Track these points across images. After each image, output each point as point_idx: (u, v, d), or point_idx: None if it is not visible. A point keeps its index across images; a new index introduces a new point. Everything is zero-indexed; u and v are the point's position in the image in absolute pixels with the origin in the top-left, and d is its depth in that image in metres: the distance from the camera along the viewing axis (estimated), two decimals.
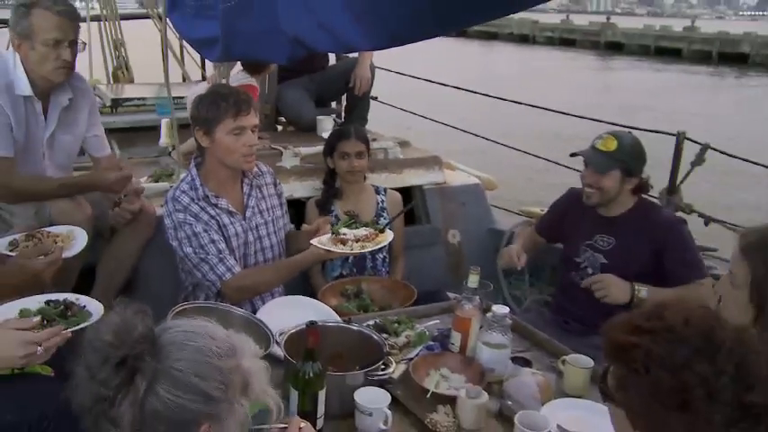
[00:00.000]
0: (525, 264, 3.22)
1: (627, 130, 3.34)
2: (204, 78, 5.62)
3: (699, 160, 3.82)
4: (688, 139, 3.82)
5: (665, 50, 39.00)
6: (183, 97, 4.51)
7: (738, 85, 28.66)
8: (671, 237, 2.98)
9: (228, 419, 1.40)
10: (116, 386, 1.32)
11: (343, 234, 2.88)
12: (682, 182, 3.83)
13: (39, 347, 1.88)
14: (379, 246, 2.90)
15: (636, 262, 2.99)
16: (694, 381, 1.28)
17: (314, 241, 2.84)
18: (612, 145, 2.98)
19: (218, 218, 2.95)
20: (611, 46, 41.79)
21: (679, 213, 3.93)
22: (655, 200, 3.95)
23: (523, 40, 48.35)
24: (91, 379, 1.33)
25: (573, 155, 3.17)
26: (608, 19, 46.60)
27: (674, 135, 3.85)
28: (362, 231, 2.91)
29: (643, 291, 2.86)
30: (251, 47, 2.82)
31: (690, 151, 3.88)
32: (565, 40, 45.60)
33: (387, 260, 3.67)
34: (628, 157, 2.98)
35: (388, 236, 2.94)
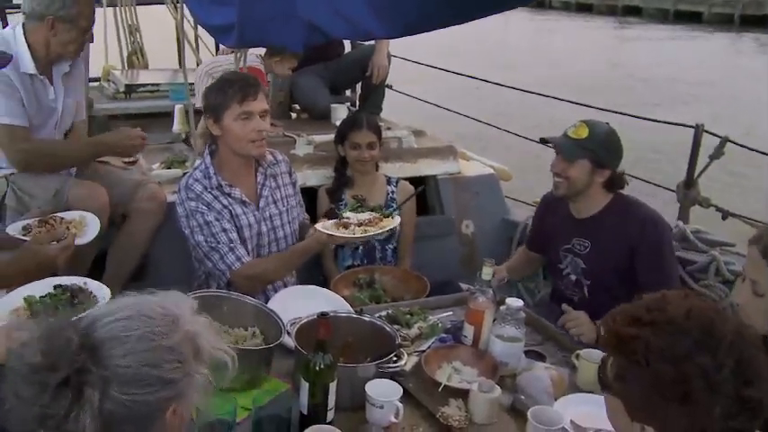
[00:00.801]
0: (503, 279, 3.08)
1: (645, 121, 3.27)
2: None
3: (717, 154, 3.76)
4: (707, 131, 3.76)
5: (684, 14, 37.91)
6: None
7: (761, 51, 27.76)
8: (645, 235, 2.83)
9: (191, 391, 1.34)
10: (65, 405, 1.22)
11: (347, 218, 2.83)
12: (699, 175, 3.77)
13: None
14: (383, 230, 2.82)
15: (613, 265, 2.87)
16: (695, 372, 1.29)
17: (318, 226, 2.81)
18: (584, 132, 2.84)
19: (230, 207, 2.93)
20: (629, 10, 40.60)
21: (696, 207, 3.90)
22: (672, 193, 3.93)
23: (539, 5, 47.35)
24: (30, 405, 1.22)
25: (543, 140, 3.04)
26: None
27: (692, 127, 3.78)
28: (366, 215, 2.85)
29: None
30: (267, 33, 2.82)
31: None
32: (581, 4, 44.57)
33: (397, 250, 3.64)
34: (598, 146, 2.83)
35: (393, 221, 2.87)
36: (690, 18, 36.87)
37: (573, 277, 3.04)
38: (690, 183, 3.78)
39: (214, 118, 2.85)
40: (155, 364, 1.27)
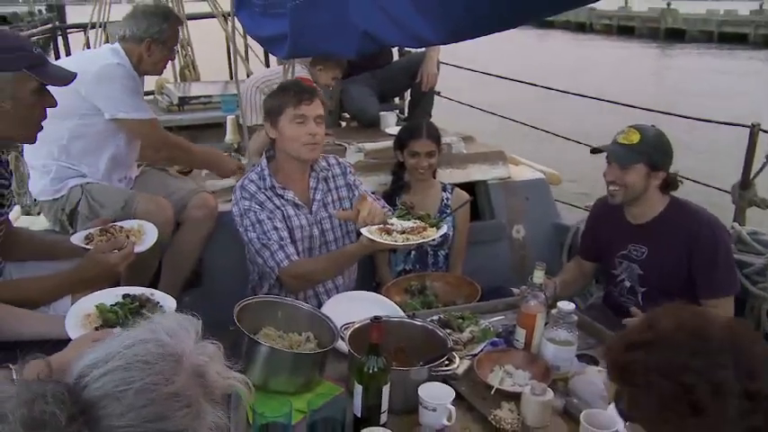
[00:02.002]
0: (554, 290, 2.87)
1: (696, 121, 3.21)
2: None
3: None
4: (763, 130, 3.67)
5: (729, 36, 37.31)
6: None
7: None
8: (701, 240, 2.79)
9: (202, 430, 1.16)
10: None
11: (391, 224, 2.83)
12: (756, 176, 3.68)
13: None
14: (425, 240, 2.79)
15: (670, 270, 2.83)
16: (695, 380, 1.28)
17: (363, 230, 2.82)
18: (635, 137, 2.82)
19: (283, 209, 3.00)
20: (672, 33, 40.16)
21: (752, 209, 3.81)
22: (726, 193, 3.85)
23: (580, 28, 47.32)
24: None
25: (594, 151, 2.99)
26: (668, 4, 44.82)
27: (747, 126, 3.70)
28: (410, 224, 2.84)
29: None
30: (320, 42, 2.86)
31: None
32: (623, 27, 44.23)
33: (449, 257, 3.65)
34: (652, 149, 2.81)
35: (435, 232, 2.84)
36: (736, 40, 36.17)
37: (627, 284, 3.02)
38: (746, 183, 3.69)
39: (271, 121, 2.96)
40: (161, 417, 1.10)
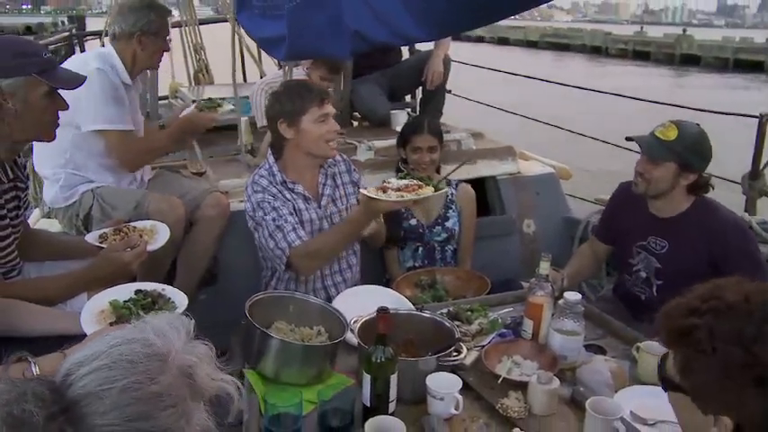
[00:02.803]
0: (562, 283, 2.87)
1: (705, 112, 3.21)
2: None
3: None
4: None
5: (744, 63, 37.17)
6: None
7: None
8: (731, 245, 2.76)
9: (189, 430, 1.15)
10: None
11: (388, 182, 2.86)
12: (765, 166, 3.69)
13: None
14: (420, 197, 2.78)
15: (689, 268, 2.76)
16: (764, 351, 1.25)
17: (362, 189, 2.87)
18: (672, 134, 2.75)
19: (293, 201, 3.06)
20: (687, 59, 40.11)
21: (763, 198, 3.82)
22: (736, 185, 3.86)
23: (596, 51, 47.42)
24: None
25: (628, 139, 2.94)
26: (684, 31, 44.74)
27: (756, 117, 3.71)
28: (405, 182, 2.85)
29: None
30: (316, 43, 2.91)
31: None
32: (638, 52, 44.28)
33: (457, 252, 3.68)
34: (687, 150, 2.74)
35: (431, 190, 2.81)
36: (751, 67, 35.84)
37: (643, 274, 3.01)
38: (755, 174, 3.70)
39: (289, 122, 2.99)
40: (144, 417, 1.08)
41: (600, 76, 28.51)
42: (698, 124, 2.86)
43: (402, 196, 2.74)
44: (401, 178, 2.92)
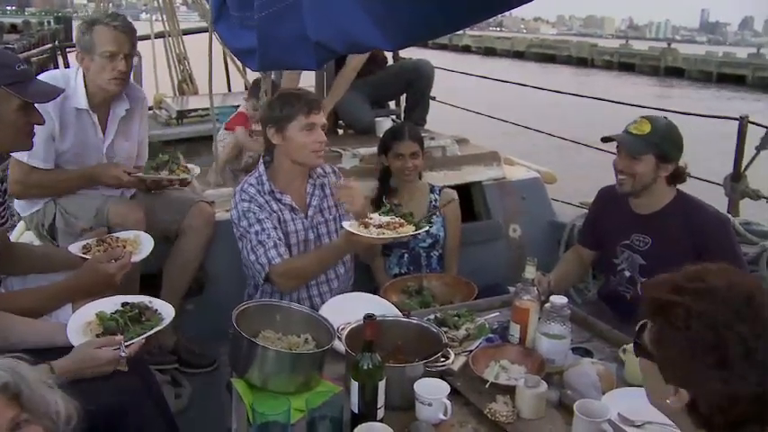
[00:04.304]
0: (548, 286, 2.88)
1: (685, 115, 3.25)
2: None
3: (764, 144, 3.71)
4: (752, 122, 3.72)
5: (727, 77, 37.75)
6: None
7: None
8: (713, 239, 2.81)
9: None
10: None
11: (370, 218, 2.87)
12: (747, 167, 3.73)
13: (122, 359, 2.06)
14: (399, 236, 2.81)
15: (674, 263, 2.78)
16: (734, 339, 1.34)
17: (345, 223, 2.89)
18: (646, 128, 2.84)
19: (279, 213, 3.07)
20: (671, 71, 40.79)
21: (746, 200, 3.86)
22: (719, 187, 3.89)
23: (581, 62, 47.96)
24: None
25: (605, 139, 3.00)
26: (669, 45, 45.39)
27: (736, 119, 3.75)
28: (387, 218, 2.87)
29: None
30: (284, 55, 2.92)
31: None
32: (624, 64, 44.91)
33: (442, 258, 3.70)
34: (662, 140, 2.83)
35: (414, 230, 2.84)
36: (734, 81, 36.39)
37: (627, 273, 3.04)
38: (737, 176, 3.74)
39: (277, 128, 3.02)
40: None
41: (587, 84, 28.75)
42: (666, 117, 2.95)
43: (383, 233, 2.78)
44: (383, 213, 2.94)
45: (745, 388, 1.34)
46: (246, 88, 6.76)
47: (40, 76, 2.80)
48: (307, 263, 3.08)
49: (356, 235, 2.78)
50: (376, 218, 2.87)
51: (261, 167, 3.13)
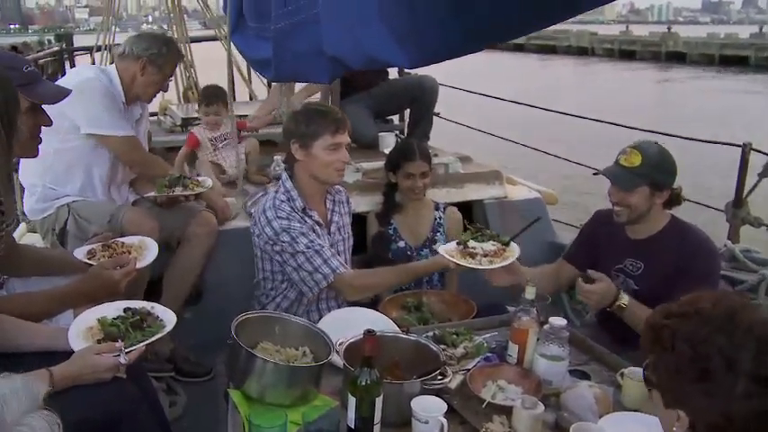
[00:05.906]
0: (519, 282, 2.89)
1: (686, 140, 3.25)
2: None
3: (766, 172, 3.72)
4: (755, 150, 3.73)
5: (730, 59, 37.85)
6: (246, 115, 4.73)
7: None
8: (696, 264, 2.77)
9: None
10: None
11: (472, 248, 2.89)
12: (748, 194, 3.73)
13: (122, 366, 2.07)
14: (507, 262, 2.85)
15: (662, 288, 2.71)
16: (712, 351, 1.37)
17: (441, 249, 2.91)
18: (636, 159, 2.79)
19: (313, 228, 3.07)
20: (673, 56, 40.79)
21: (746, 227, 3.86)
22: (720, 212, 3.90)
23: (582, 52, 47.95)
24: None
25: (596, 174, 2.99)
26: (669, 29, 45.29)
27: (739, 146, 3.76)
28: (490, 246, 2.90)
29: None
30: (298, 68, 2.94)
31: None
32: (624, 51, 44.86)
33: (443, 275, 3.69)
34: (654, 170, 2.79)
35: (515, 251, 2.91)
36: (737, 62, 36.70)
37: None
38: (739, 202, 3.74)
39: (301, 144, 3.01)
40: None
41: (589, 74, 28.75)
42: (656, 143, 2.91)
43: (491, 262, 2.83)
44: (474, 238, 2.97)
45: (733, 403, 1.35)
46: (251, 98, 6.81)
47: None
48: (384, 280, 3.15)
49: (461, 266, 2.84)
50: (477, 246, 2.90)
51: (288, 183, 3.09)
